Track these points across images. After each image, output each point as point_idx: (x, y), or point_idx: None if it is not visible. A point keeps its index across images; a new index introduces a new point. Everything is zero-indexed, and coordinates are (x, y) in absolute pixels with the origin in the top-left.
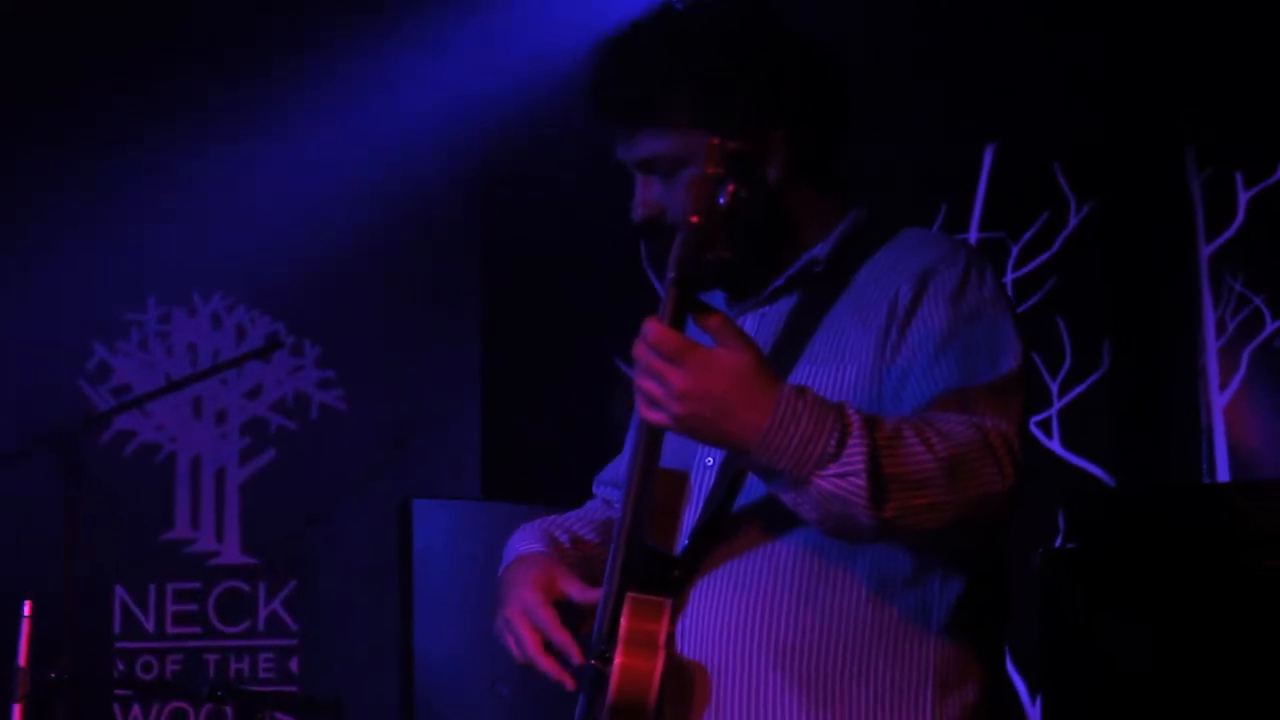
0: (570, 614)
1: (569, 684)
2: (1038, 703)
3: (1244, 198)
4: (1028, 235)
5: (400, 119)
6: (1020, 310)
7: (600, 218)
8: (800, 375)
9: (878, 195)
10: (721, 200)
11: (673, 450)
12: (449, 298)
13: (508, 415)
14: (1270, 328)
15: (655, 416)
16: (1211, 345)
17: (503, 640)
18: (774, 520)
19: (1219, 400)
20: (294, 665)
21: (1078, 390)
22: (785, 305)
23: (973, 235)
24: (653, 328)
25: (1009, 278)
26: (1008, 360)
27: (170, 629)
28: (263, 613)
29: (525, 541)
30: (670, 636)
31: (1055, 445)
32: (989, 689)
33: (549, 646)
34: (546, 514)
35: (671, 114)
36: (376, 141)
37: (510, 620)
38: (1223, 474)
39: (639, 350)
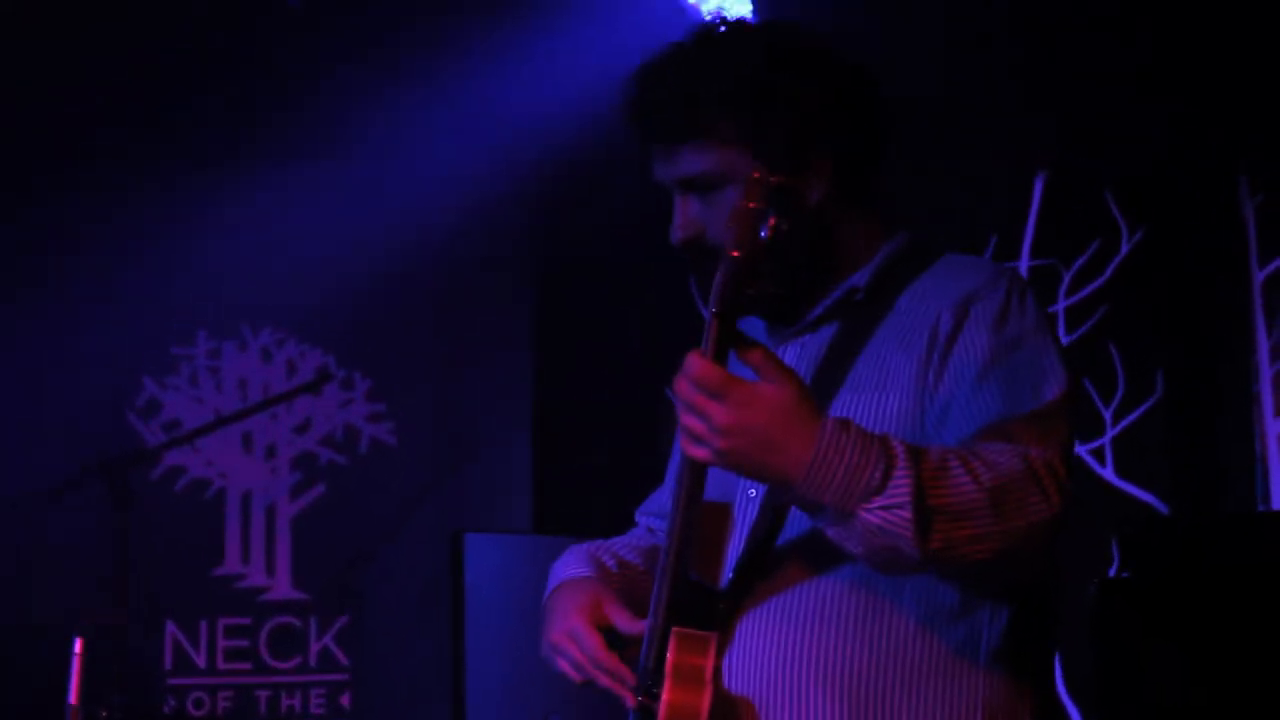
0: (614, 641)
1: (630, 700)
2: None
3: None
4: (1080, 263)
5: (450, 152)
6: (1072, 338)
7: (651, 248)
8: (842, 404)
9: (928, 224)
10: (763, 234)
11: (715, 482)
12: (499, 331)
13: (558, 447)
14: None
15: (698, 452)
16: (1266, 372)
17: (553, 664)
18: (819, 553)
19: (1273, 427)
20: (346, 700)
21: (1131, 418)
22: (826, 334)
23: (1024, 263)
24: (695, 362)
25: (1060, 305)
26: (1051, 388)
27: (221, 665)
28: (314, 648)
29: (571, 566)
30: (717, 671)
31: (1109, 474)
32: (1040, 718)
33: (600, 667)
34: None
35: (712, 128)
36: (427, 174)
37: (558, 644)
38: (1277, 501)
39: (681, 385)
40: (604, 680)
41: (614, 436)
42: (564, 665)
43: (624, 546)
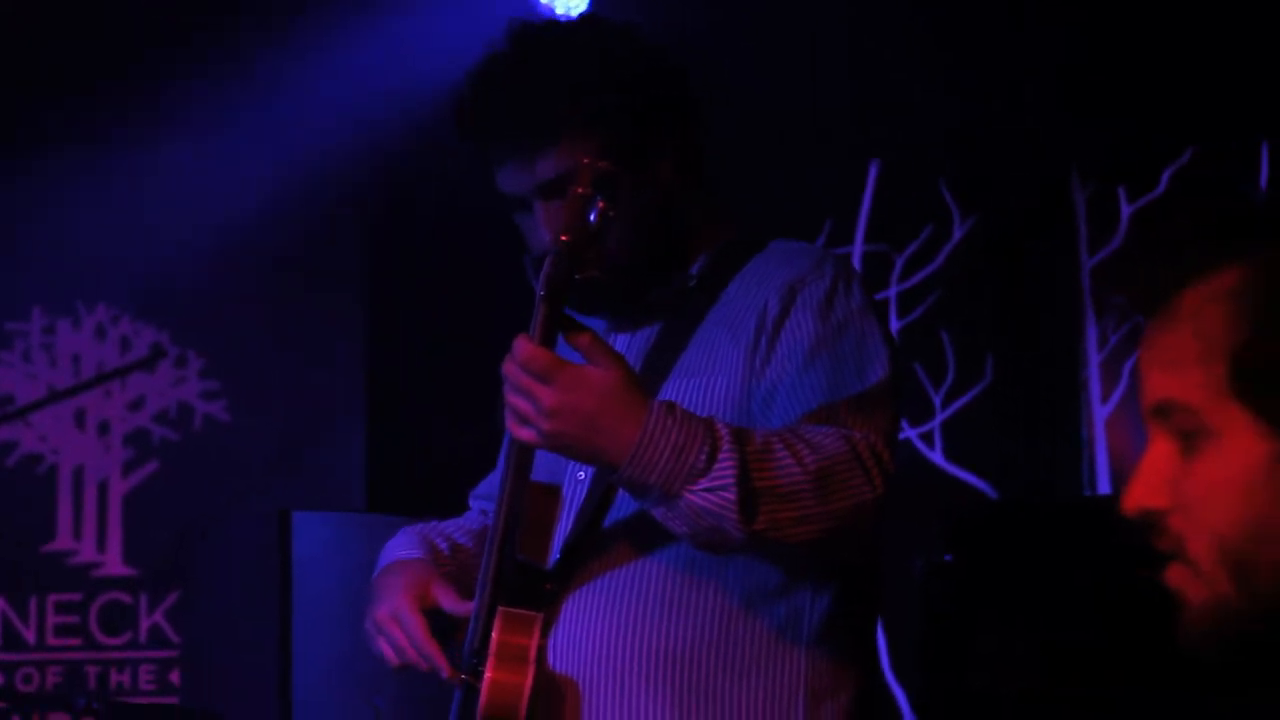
0: (442, 624)
1: (445, 672)
2: (915, 713)
3: (1126, 212)
4: (912, 249)
5: (284, 131)
6: (904, 323)
7: (486, 231)
8: (671, 388)
9: (762, 209)
10: (592, 218)
11: (545, 464)
12: (333, 310)
13: (392, 427)
14: None
15: (524, 434)
16: (1093, 358)
17: (372, 644)
18: (645, 535)
19: (1100, 413)
20: (175, 677)
21: (960, 403)
22: (657, 321)
23: (857, 249)
24: (522, 345)
25: (892, 291)
26: (875, 371)
27: (51, 640)
28: (144, 624)
29: (402, 547)
30: (541, 651)
31: (938, 457)
32: (862, 699)
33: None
34: None
35: (562, 132)
36: (261, 155)
37: (381, 624)
38: (1103, 486)
39: (508, 368)
40: (421, 666)
41: (448, 417)
42: (383, 646)
43: (457, 529)
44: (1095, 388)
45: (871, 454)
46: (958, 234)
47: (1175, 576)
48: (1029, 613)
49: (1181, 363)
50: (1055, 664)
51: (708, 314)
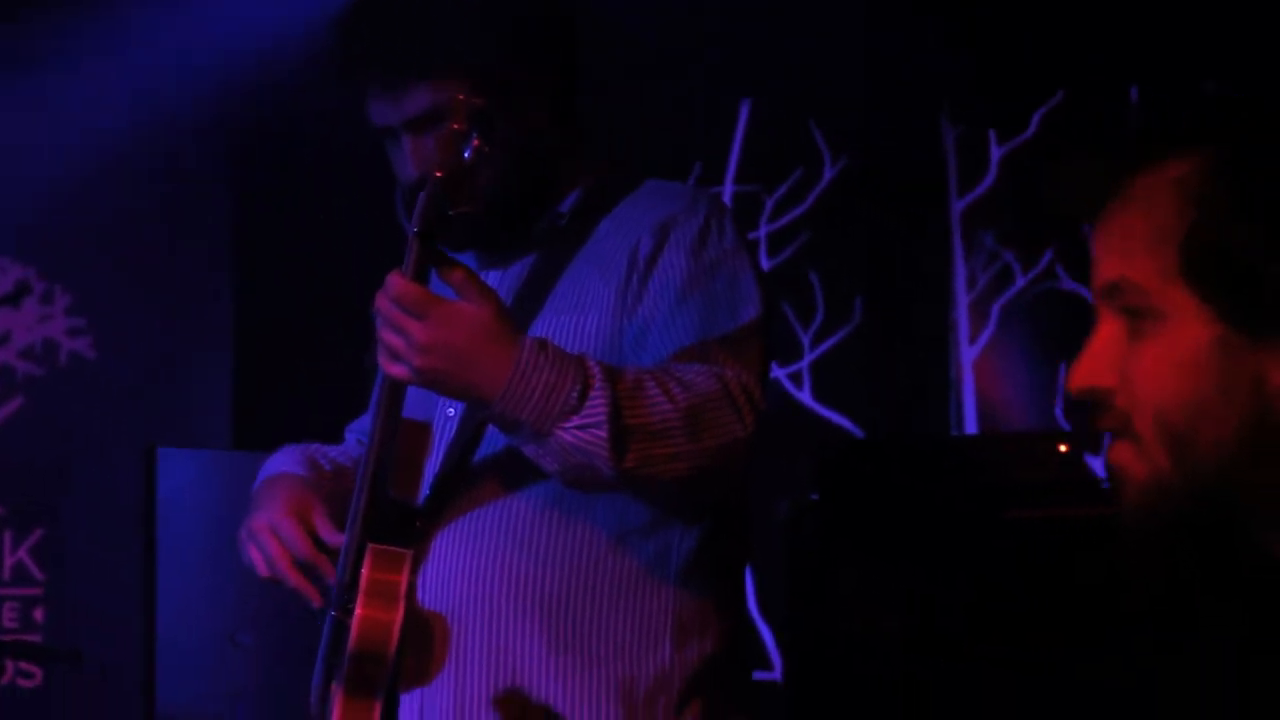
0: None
1: (315, 600)
2: (781, 652)
3: (996, 154)
4: (782, 189)
5: (152, 65)
6: (774, 264)
7: (356, 167)
8: (542, 325)
9: (634, 150)
10: (466, 155)
11: (416, 400)
12: (200, 246)
13: (259, 365)
14: (1020, 283)
15: (396, 370)
16: (962, 300)
17: (243, 552)
18: (515, 472)
19: (968, 354)
20: (39, 615)
21: (829, 343)
22: (530, 259)
23: (727, 189)
24: (394, 280)
25: (762, 231)
26: (748, 310)
27: None
28: (8, 561)
29: (286, 463)
30: (411, 587)
31: (806, 397)
32: (729, 637)
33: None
34: None
35: (434, 66)
36: (127, 86)
37: (256, 533)
38: (970, 426)
39: (381, 303)
40: (294, 579)
41: (316, 354)
42: (255, 556)
43: (338, 453)
44: (964, 329)
45: (743, 392)
46: (828, 175)
47: (1118, 454)
48: (894, 552)
49: (1132, 247)
50: (919, 604)
51: (580, 252)
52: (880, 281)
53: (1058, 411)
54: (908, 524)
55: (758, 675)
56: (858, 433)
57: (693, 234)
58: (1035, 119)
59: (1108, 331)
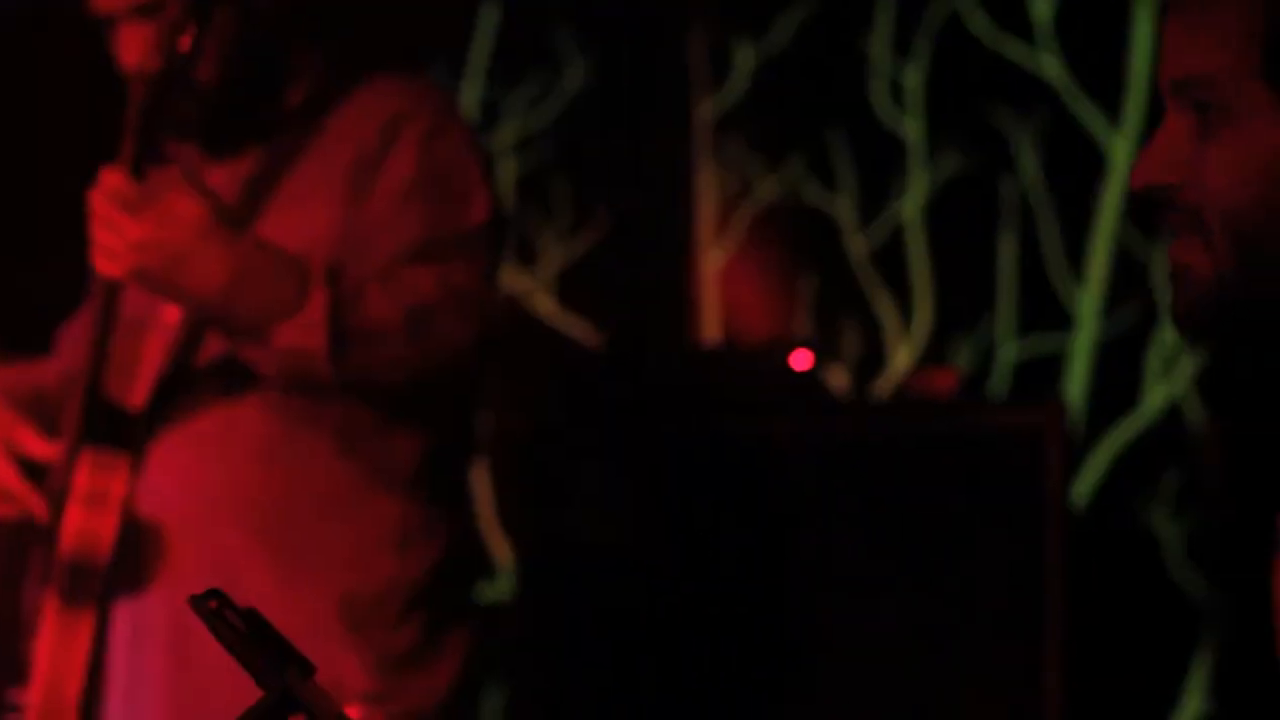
0: (27, 469)
1: (42, 515)
2: (518, 565)
3: (745, 63)
4: (524, 94)
5: None
6: (515, 171)
7: (72, 51)
8: (268, 221)
9: (368, 47)
10: (184, 45)
11: (135, 302)
12: None
13: None
14: (764, 194)
15: (110, 268)
16: (707, 211)
17: None
18: (235, 377)
19: (712, 265)
20: None
21: (571, 254)
22: (257, 153)
23: (468, 91)
24: (109, 176)
25: (502, 137)
26: (477, 212)
27: None
28: None
29: None
30: (128, 495)
31: (546, 310)
32: (454, 546)
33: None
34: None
35: None
36: None
37: None
38: (713, 337)
39: (94, 199)
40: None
41: (26, 253)
42: None
43: (42, 369)
44: (707, 239)
45: (470, 296)
46: (572, 81)
47: (1183, 250)
48: (629, 465)
49: (1212, 39)
50: (654, 515)
51: (308, 145)
52: (623, 191)
53: (799, 324)
54: (644, 437)
55: (491, 591)
56: (598, 345)
57: (422, 131)
58: (781, 26)
59: (1176, 127)
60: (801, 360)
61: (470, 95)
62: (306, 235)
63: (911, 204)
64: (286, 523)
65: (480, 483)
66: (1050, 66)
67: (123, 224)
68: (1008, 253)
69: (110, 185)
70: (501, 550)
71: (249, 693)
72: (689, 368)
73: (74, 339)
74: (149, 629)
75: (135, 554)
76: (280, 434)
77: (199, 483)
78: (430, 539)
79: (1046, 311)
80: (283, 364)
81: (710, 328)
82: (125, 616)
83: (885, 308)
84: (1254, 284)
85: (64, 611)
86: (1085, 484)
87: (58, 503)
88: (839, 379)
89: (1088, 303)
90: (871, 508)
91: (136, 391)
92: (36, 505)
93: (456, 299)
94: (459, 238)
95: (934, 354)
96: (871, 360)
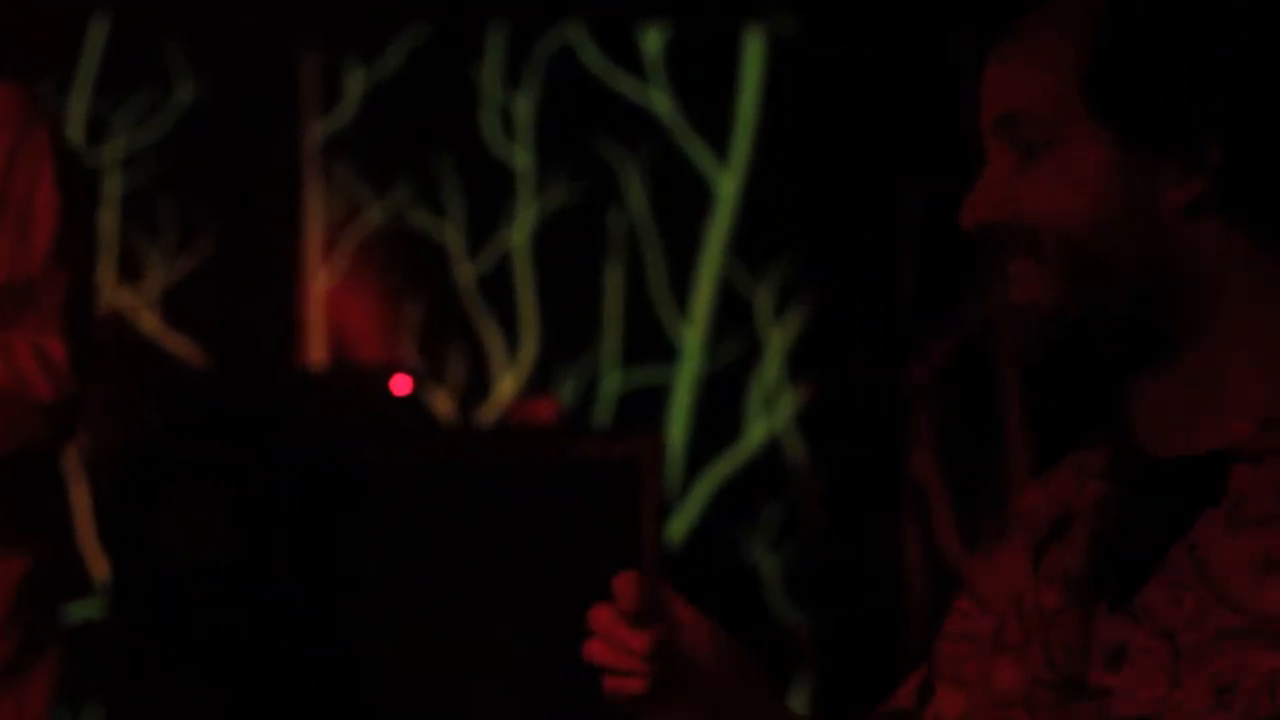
0: None
1: None
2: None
3: (356, 86)
4: (133, 111)
5: None
6: (123, 191)
7: None
8: None
9: None
10: None
11: None
12: None
13: None
14: (372, 217)
15: None
16: (315, 233)
17: None
18: None
19: (319, 287)
20: None
21: (178, 273)
22: None
23: (76, 108)
24: None
25: (111, 156)
26: (61, 260)
27: None
28: None
29: None
30: None
31: (152, 328)
32: (43, 563)
33: None
34: None
35: None
36: None
37: None
38: (319, 359)
39: None
40: None
41: None
42: None
43: None
44: (315, 261)
45: (40, 365)
46: (182, 98)
47: (1020, 274)
48: (229, 486)
49: (1028, 77)
50: (256, 538)
51: None
52: (232, 211)
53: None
54: (244, 457)
55: (87, 609)
56: (203, 362)
57: (21, 165)
58: (393, 51)
59: (999, 164)
60: (401, 385)
61: (77, 109)
62: None
63: (519, 233)
64: None
65: (79, 499)
66: (660, 102)
67: None
68: (614, 284)
69: None
70: (100, 567)
71: None
72: (293, 389)
73: None
74: None
75: None
76: None
77: None
78: (14, 556)
79: (651, 344)
80: None
81: (317, 350)
82: None
83: (491, 335)
84: (1088, 303)
85: None
86: (687, 515)
87: None
88: (444, 405)
89: (692, 336)
90: (470, 535)
91: None
92: None
93: (24, 379)
94: (39, 285)
95: (539, 382)
96: (477, 387)
